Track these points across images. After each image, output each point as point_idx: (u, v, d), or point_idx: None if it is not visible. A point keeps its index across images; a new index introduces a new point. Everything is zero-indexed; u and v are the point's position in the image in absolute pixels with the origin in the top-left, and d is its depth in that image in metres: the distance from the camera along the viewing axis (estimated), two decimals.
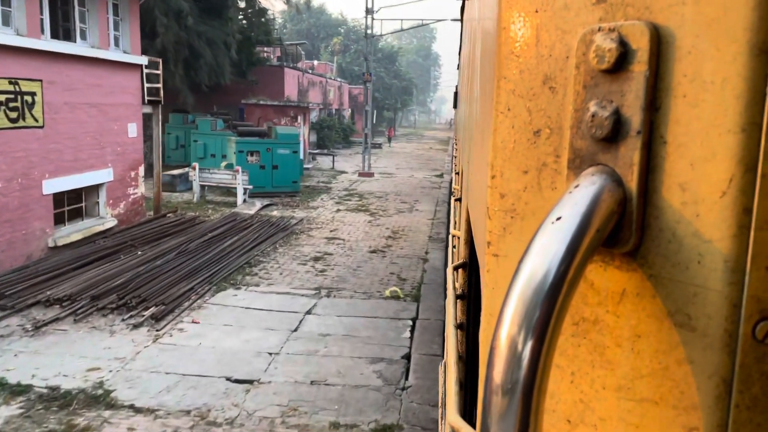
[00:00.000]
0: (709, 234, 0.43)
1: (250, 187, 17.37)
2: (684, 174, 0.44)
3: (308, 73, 34.22)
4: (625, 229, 0.47)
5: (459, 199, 3.42)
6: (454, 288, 2.13)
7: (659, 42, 0.45)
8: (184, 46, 20.03)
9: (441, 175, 28.04)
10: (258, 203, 17.09)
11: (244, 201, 17.19)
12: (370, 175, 26.19)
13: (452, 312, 1.94)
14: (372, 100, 61.73)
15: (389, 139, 46.41)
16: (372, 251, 12.63)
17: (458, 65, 7.67)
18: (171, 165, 22.14)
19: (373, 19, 26.34)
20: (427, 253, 12.76)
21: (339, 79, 44.38)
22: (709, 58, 0.42)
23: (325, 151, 33.75)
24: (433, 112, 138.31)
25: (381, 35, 28.87)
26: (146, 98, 13.42)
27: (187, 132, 22.56)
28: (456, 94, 8.87)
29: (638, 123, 0.46)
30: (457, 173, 5.05)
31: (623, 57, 0.46)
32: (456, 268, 2.19)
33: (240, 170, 16.76)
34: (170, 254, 11.08)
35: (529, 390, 0.39)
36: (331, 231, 14.50)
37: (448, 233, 15.26)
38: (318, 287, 10.08)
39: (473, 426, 0.95)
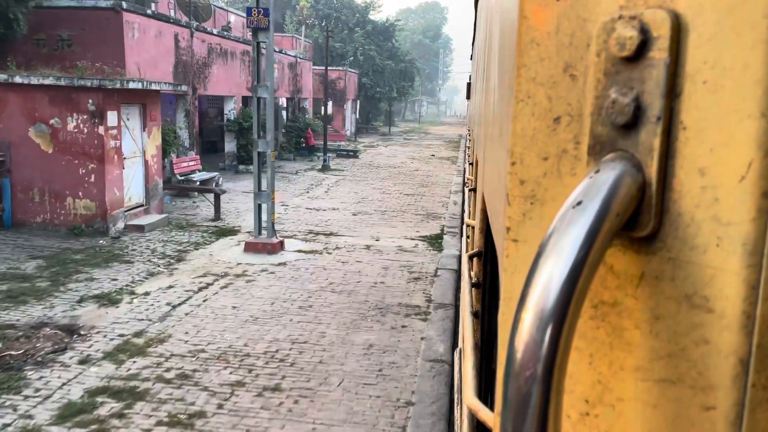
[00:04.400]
0: (728, 217, 0.43)
1: None
2: (703, 159, 0.45)
3: (209, 33, 19.33)
4: (645, 214, 0.47)
5: (473, 190, 3.75)
6: (470, 276, 2.11)
7: (680, 29, 0.46)
8: None
9: (439, 240, 13.04)
10: None
11: None
12: (273, 248, 11.22)
13: (468, 300, 1.88)
14: (357, 88, 46.39)
15: (309, 149, 28.28)
16: None
17: (471, 55, 7.30)
18: None
19: None
20: None
21: (297, 55, 29.45)
22: (729, 45, 0.43)
23: (216, 173, 18.54)
24: (443, 103, 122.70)
25: None
26: None
27: None
28: (469, 84, 8.50)
29: (658, 109, 0.46)
30: (471, 164, 5.29)
31: (644, 44, 0.47)
32: (471, 257, 2.24)
33: None
34: None
35: (549, 371, 0.40)
36: None
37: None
38: None
39: (489, 408, 1.00)
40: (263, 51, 11.16)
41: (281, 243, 11.44)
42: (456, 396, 2.55)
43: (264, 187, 11.39)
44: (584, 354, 0.53)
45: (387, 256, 11.41)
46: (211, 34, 19.52)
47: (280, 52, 26.82)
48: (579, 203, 0.44)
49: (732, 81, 0.43)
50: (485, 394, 1.74)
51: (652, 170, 0.47)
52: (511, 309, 0.48)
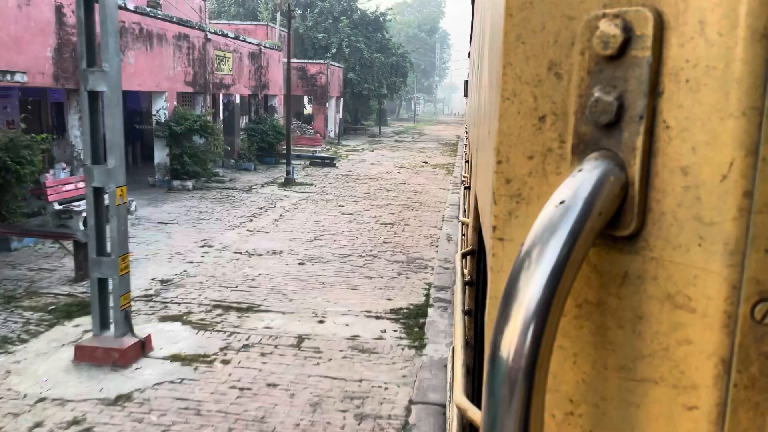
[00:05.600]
0: (710, 217, 0.43)
1: None
2: (686, 158, 0.45)
3: (122, 8, 14.39)
4: (628, 213, 0.47)
5: (468, 187, 3.56)
6: (463, 274, 2.12)
7: (663, 28, 0.46)
8: None
9: (422, 317, 8.18)
10: None
11: None
12: (123, 357, 6.31)
13: (460, 298, 1.92)
14: (342, 84, 41.04)
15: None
16: None
17: (469, 53, 7.18)
18: None
19: None
20: None
21: (261, 43, 24.52)
22: (712, 44, 0.43)
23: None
24: (440, 101, 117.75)
25: None
26: None
27: None
28: (467, 82, 8.34)
29: (641, 108, 0.47)
30: (467, 161, 5.22)
31: (627, 43, 0.47)
32: (464, 255, 2.23)
33: None
34: None
35: (531, 370, 0.40)
36: None
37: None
38: None
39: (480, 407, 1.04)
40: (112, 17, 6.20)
41: (142, 344, 6.57)
42: (448, 394, 2.44)
43: (108, 248, 6.51)
44: (568, 353, 0.53)
45: (326, 368, 6.55)
46: (125, 8, 14.62)
47: (237, 38, 21.92)
48: (562, 202, 0.44)
49: (714, 80, 0.43)
50: (479, 392, 1.65)
51: (635, 169, 0.47)
52: (497, 307, 0.48)
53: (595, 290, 0.51)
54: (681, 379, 0.45)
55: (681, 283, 0.45)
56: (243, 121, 24.01)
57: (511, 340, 0.41)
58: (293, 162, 24.60)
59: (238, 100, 22.19)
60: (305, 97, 37.96)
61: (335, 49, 38.80)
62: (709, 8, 0.43)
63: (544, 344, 0.41)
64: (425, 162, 27.07)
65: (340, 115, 37.85)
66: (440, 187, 20.00)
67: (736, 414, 0.43)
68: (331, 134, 36.52)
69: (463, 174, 5.79)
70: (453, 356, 2.02)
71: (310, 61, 35.87)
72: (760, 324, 0.42)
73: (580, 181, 0.45)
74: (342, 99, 40.09)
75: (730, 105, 0.42)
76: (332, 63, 36.45)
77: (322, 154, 26.42)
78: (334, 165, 24.49)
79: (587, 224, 0.43)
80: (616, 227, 0.48)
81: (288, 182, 19.30)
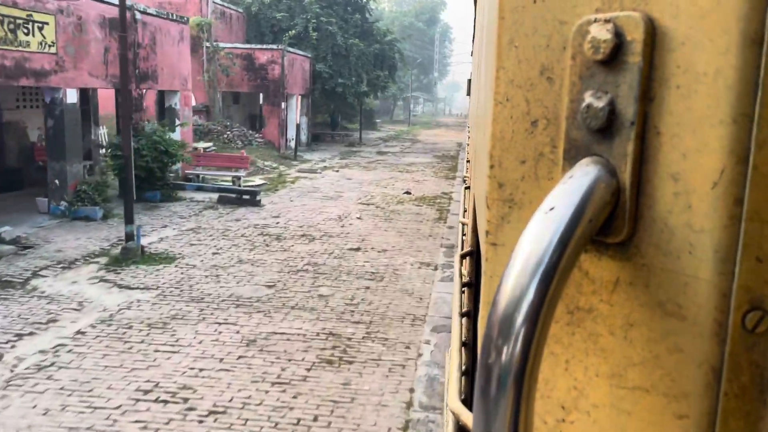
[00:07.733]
0: (701, 224, 0.44)
1: None
2: (676, 165, 0.45)
3: None
4: (619, 219, 0.48)
5: (469, 188, 3.57)
6: (461, 276, 2.11)
7: (654, 33, 0.46)
8: None
9: None
10: None
11: None
12: None
13: (458, 300, 1.93)
14: (309, 78, 30.17)
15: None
16: None
17: (472, 52, 7.28)
18: None
19: None
20: None
21: (134, 6, 15.08)
22: (703, 49, 0.43)
23: None
24: (441, 100, 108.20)
25: None
26: None
27: None
28: (470, 81, 8.09)
29: (632, 114, 0.47)
30: (468, 161, 5.20)
31: (618, 48, 0.47)
32: (463, 256, 2.21)
33: None
34: None
35: (520, 376, 0.40)
36: None
37: None
38: None
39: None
40: None
41: None
42: (445, 396, 2.52)
43: None
44: (560, 359, 0.53)
45: None
46: None
47: None
48: (552, 208, 0.44)
49: (705, 86, 0.43)
50: None
51: (626, 176, 0.47)
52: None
53: (587, 297, 0.50)
54: (672, 387, 0.45)
55: (672, 290, 0.45)
56: (100, 133, 14.68)
57: (501, 346, 0.40)
58: (194, 198, 15.24)
59: (75, 99, 12.80)
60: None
61: (293, 31, 29.29)
62: (700, 14, 0.42)
63: (534, 350, 0.40)
64: (407, 193, 17.67)
65: (299, 118, 28.29)
66: (422, 260, 10.62)
67: (727, 423, 0.43)
68: (291, 144, 27.16)
69: (465, 174, 5.47)
70: (450, 359, 1.89)
71: (257, 46, 26.49)
72: (750, 333, 0.42)
73: (570, 188, 0.45)
74: (309, 98, 30.66)
75: (721, 112, 0.41)
76: (291, 50, 27.03)
77: (246, 185, 17.00)
78: (257, 203, 15.10)
79: (577, 231, 0.43)
80: (607, 234, 0.47)
81: (127, 255, 9.93)
